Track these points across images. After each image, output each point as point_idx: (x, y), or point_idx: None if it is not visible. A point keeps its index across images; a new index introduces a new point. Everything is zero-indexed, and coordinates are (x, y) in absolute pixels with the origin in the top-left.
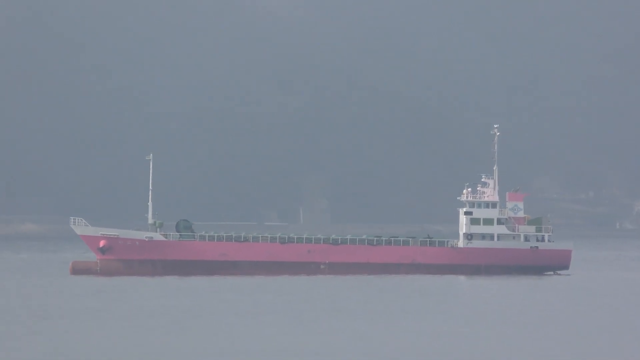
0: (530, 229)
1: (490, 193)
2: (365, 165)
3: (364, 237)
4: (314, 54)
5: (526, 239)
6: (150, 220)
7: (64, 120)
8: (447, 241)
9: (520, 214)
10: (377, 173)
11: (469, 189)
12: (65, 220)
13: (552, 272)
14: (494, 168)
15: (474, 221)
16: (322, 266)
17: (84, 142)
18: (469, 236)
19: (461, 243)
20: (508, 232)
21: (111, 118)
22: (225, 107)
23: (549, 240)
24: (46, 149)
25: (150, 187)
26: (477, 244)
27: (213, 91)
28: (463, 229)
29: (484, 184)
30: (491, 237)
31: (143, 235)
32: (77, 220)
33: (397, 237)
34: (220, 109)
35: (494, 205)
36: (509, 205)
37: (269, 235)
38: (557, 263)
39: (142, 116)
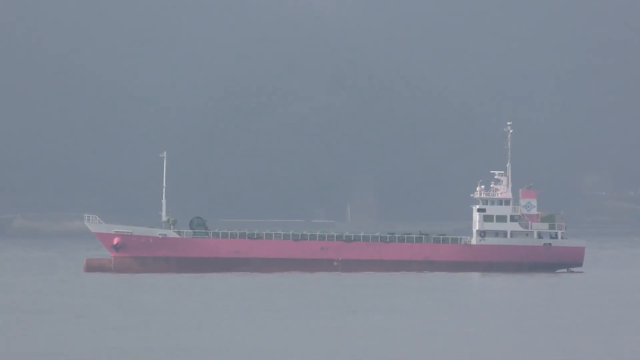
0: (544, 226)
1: (503, 190)
2: (413, 162)
3: (377, 234)
4: (361, 52)
5: (539, 236)
6: (164, 218)
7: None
8: (460, 238)
9: (534, 211)
10: (425, 170)
11: (482, 186)
12: (108, 217)
13: (565, 269)
14: (507, 165)
15: (487, 218)
16: (335, 263)
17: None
18: (482, 233)
19: (474, 240)
20: (521, 229)
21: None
22: (270, 104)
23: (562, 237)
24: (80, 148)
25: (164, 185)
26: (490, 240)
27: (256, 88)
28: (476, 225)
29: (497, 181)
30: (504, 234)
31: (157, 232)
32: (91, 218)
33: (410, 234)
34: (264, 107)
35: (507, 202)
36: (522, 202)
37: (282, 233)
38: (570, 260)
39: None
